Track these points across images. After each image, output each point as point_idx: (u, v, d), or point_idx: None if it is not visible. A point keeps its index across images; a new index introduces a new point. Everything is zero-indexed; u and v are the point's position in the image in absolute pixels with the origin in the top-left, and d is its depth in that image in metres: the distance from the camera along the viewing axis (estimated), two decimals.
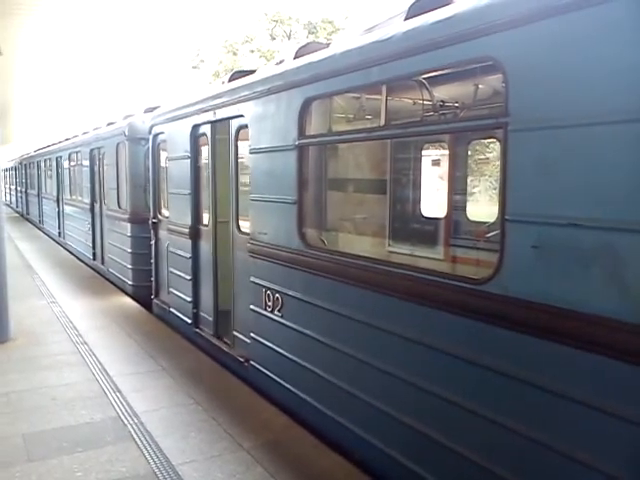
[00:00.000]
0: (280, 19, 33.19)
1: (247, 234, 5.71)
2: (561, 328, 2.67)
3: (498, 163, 3.18)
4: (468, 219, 6.96)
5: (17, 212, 32.44)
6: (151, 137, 8.65)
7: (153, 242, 8.73)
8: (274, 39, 33.96)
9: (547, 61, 2.73)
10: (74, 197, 15.17)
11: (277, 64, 5.79)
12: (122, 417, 4.98)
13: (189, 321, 7.24)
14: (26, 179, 27.45)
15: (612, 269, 2.46)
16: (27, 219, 27.12)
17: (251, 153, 5.53)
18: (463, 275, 3.48)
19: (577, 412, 2.62)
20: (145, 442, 4.51)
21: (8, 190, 38.69)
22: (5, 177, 37.90)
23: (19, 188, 32.17)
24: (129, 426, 4.80)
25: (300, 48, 5.52)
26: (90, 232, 13.18)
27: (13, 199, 36.55)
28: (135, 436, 4.61)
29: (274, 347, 5.21)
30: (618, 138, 2.43)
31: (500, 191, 3.01)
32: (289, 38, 33.37)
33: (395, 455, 3.77)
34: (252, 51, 33.96)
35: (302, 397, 4.80)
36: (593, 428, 2.56)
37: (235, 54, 34.08)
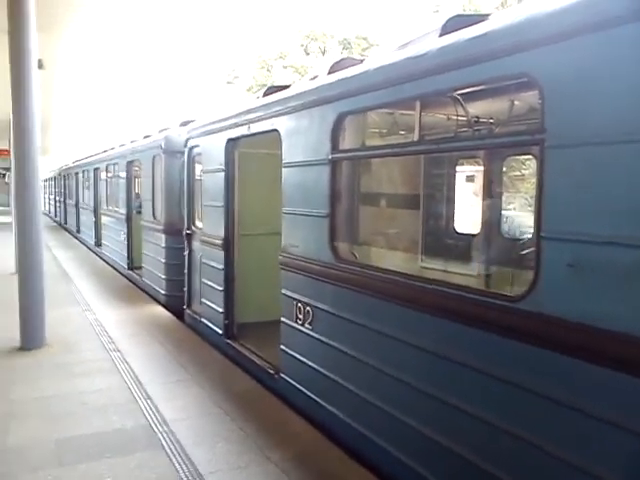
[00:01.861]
0: (314, 36, 33.50)
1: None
2: (596, 348, 2.62)
3: (534, 180, 3.16)
4: (503, 236, 6.89)
5: (55, 221, 33.24)
6: (186, 150, 8.80)
7: (186, 253, 8.84)
8: (308, 55, 34.29)
9: (584, 77, 2.70)
10: (111, 207, 15.48)
11: (311, 79, 5.85)
12: (152, 425, 5.03)
13: (220, 331, 7.29)
14: (64, 189, 28.13)
15: None
16: (65, 228, 27.74)
17: (284, 167, 5.58)
18: (497, 292, 3.44)
19: (611, 435, 2.56)
20: (174, 450, 4.54)
21: (47, 200, 39.71)
22: (44, 187, 38.88)
23: (58, 198, 32.98)
24: (159, 434, 4.84)
25: (334, 64, 5.57)
26: (126, 242, 13.42)
27: (52, 209, 37.47)
28: (164, 444, 4.65)
29: (304, 360, 5.22)
30: None
31: (536, 208, 2.98)
32: (323, 54, 33.65)
33: (426, 474, 3.72)
34: (285, 67, 34.33)
35: (331, 410, 4.78)
36: (625, 449, 2.50)
37: (269, 70, 34.50)
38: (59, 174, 30.86)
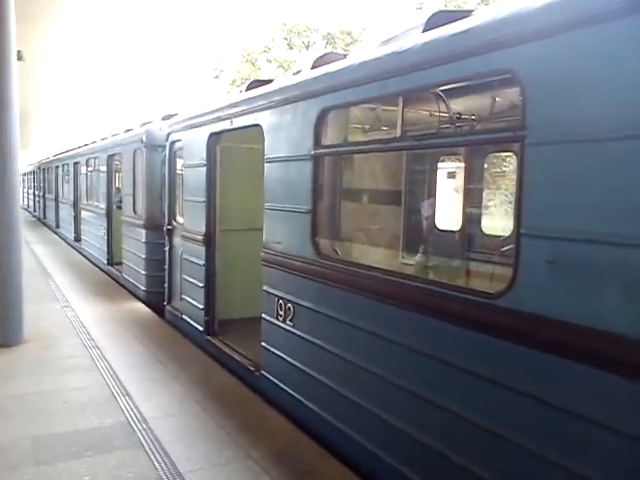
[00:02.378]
0: (298, 30, 33.41)
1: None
2: (574, 344, 2.63)
3: (514, 177, 3.16)
4: (483, 232, 6.93)
5: (34, 216, 32.79)
6: (168, 144, 8.72)
7: (167, 248, 8.77)
8: (292, 49, 34.18)
9: (566, 74, 2.71)
10: (90, 202, 15.31)
11: (294, 74, 5.81)
12: (132, 423, 4.98)
13: (201, 328, 7.25)
14: (44, 184, 27.77)
15: (628, 285, 2.42)
16: (44, 223, 27.39)
17: (266, 162, 5.54)
18: (476, 289, 3.45)
19: (588, 430, 2.57)
20: (154, 448, 4.50)
21: (26, 194, 39.17)
22: (23, 181, 38.35)
23: (37, 192, 32.54)
24: (138, 432, 4.80)
25: (318, 58, 5.54)
26: (105, 237, 13.28)
27: (31, 203, 36.98)
28: (144, 442, 4.61)
29: (285, 357, 5.20)
30: (637, 153, 2.40)
31: (516, 205, 2.99)
32: (307, 48, 33.57)
33: (402, 468, 3.73)
34: (269, 61, 34.19)
35: (311, 407, 4.77)
36: (602, 445, 2.52)
37: (253, 64, 34.34)
38: (38, 168, 30.44)
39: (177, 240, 8.38)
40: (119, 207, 12.66)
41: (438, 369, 3.47)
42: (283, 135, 5.28)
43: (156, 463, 4.26)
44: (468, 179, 6.76)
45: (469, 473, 3.22)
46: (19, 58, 7.75)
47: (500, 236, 6.62)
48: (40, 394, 5.65)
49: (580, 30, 2.63)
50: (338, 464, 4.28)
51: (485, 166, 7.36)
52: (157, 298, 9.42)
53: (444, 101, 4.86)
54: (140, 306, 9.85)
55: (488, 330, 3.09)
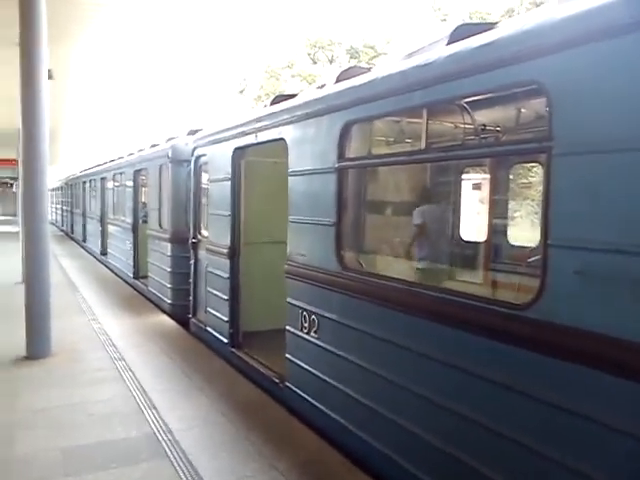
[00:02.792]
0: (322, 45, 33.66)
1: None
2: (603, 355, 2.60)
3: (540, 187, 3.14)
4: (509, 243, 6.86)
5: (62, 230, 33.38)
6: (193, 159, 8.83)
7: (192, 262, 8.85)
8: (316, 63, 34.43)
9: (592, 85, 2.70)
10: (117, 217, 15.53)
11: (318, 88, 5.86)
12: (157, 434, 5.01)
13: (225, 340, 7.28)
14: (71, 199, 28.27)
15: None
16: (71, 237, 27.85)
17: (290, 175, 5.58)
18: (503, 300, 3.42)
19: (619, 442, 2.53)
20: (179, 460, 4.51)
21: (54, 209, 39.90)
22: (51, 197, 39.09)
23: (64, 207, 33.14)
24: (164, 443, 4.82)
25: (341, 72, 5.58)
26: (132, 251, 13.45)
27: (59, 218, 37.65)
28: (170, 454, 4.63)
29: (310, 369, 5.19)
30: None
31: (543, 215, 2.97)
32: (331, 62, 33.78)
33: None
34: (293, 76, 34.47)
35: (337, 419, 4.75)
36: (632, 456, 2.48)
37: (277, 79, 34.65)
38: (66, 183, 31.03)
39: (202, 253, 8.45)
40: (145, 221, 12.82)
41: (465, 380, 3.43)
42: (307, 149, 5.32)
43: (182, 474, 4.27)
44: (493, 190, 6.71)
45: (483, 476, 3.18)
46: (49, 77, 7.93)
47: (527, 247, 6.56)
48: (67, 406, 5.71)
49: (606, 41, 2.62)
50: (365, 477, 4.25)
51: (511, 177, 7.31)
52: (182, 311, 9.49)
53: (469, 113, 4.84)
54: (165, 319, 9.93)
55: (515, 341, 3.06)
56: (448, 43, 3.91)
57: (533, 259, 5.29)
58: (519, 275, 5.71)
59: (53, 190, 38.99)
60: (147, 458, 4.56)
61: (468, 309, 3.42)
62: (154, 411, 5.55)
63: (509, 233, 7.03)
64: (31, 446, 4.82)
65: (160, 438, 4.93)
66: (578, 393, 2.71)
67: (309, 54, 34.11)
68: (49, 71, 7.76)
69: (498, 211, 6.87)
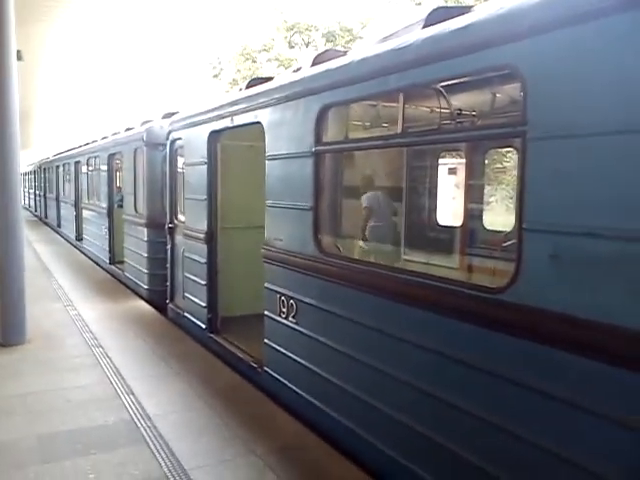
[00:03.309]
0: (298, 28, 33.35)
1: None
2: (577, 338, 2.64)
3: (515, 172, 3.18)
4: (484, 228, 6.94)
5: (35, 215, 32.83)
6: (169, 143, 8.73)
7: (169, 247, 8.79)
8: (292, 47, 34.11)
9: (566, 69, 2.71)
10: (92, 201, 15.33)
11: (294, 71, 5.82)
12: (135, 420, 5.00)
13: (203, 326, 7.27)
14: (45, 183, 27.79)
15: (631, 278, 2.43)
16: (45, 222, 27.43)
17: (267, 159, 5.55)
18: (479, 284, 3.46)
19: (593, 423, 2.59)
20: (158, 445, 4.52)
21: (27, 194, 39.21)
22: (24, 181, 38.37)
23: (38, 192, 32.57)
24: (142, 429, 4.81)
25: (318, 55, 5.54)
26: (107, 236, 13.30)
27: (32, 203, 37.03)
28: (148, 439, 4.63)
29: (288, 353, 5.21)
30: (638, 147, 2.40)
31: (517, 199, 3.00)
32: (307, 46, 33.51)
33: (408, 463, 3.75)
34: (270, 60, 34.14)
35: (315, 404, 4.79)
36: (606, 438, 2.54)
37: (254, 61, 34.29)
38: (39, 167, 30.47)
39: (179, 238, 8.40)
40: (120, 206, 12.67)
41: (438, 362, 3.48)
42: (284, 132, 5.29)
43: (160, 460, 4.28)
44: (469, 175, 6.76)
45: (457, 457, 3.25)
46: (19, 58, 7.75)
47: (502, 231, 6.64)
48: (43, 393, 5.67)
49: (580, 25, 2.64)
50: (346, 461, 4.29)
51: (486, 162, 7.37)
52: (159, 296, 9.45)
53: (445, 97, 4.87)
54: (142, 304, 9.87)
55: (490, 324, 3.10)
56: (424, 27, 3.90)
57: (508, 243, 5.36)
58: (494, 259, 5.79)
59: (26, 174, 38.29)
60: (125, 444, 4.56)
61: (445, 293, 3.45)
62: (132, 397, 5.54)
63: (484, 218, 7.11)
64: (8, 433, 4.78)
65: (138, 424, 4.92)
66: (553, 375, 2.76)
67: (285, 37, 33.76)
68: (18, 52, 7.58)
69: (473, 196, 6.94)
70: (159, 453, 4.39)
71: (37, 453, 4.44)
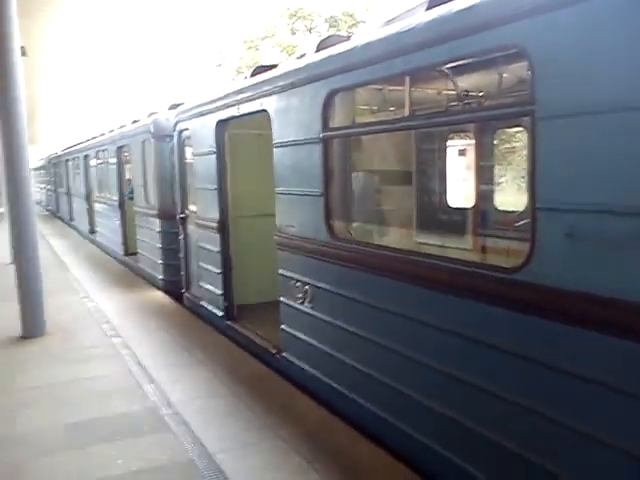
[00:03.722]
0: (301, 14, 33.10)
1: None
2: (594, 315, 2.67)
3: (524, 152, 3.19)
4: (496, 209, 6.94)
5: (48, 210, 33.07)
6: (176, 133, 8.77)
7: (182, 237, 8.87)
8: (295, 34, 33.89)
9: (574, 47, 2.71)
10: (103, 194, 15.43)
11: (299, 58, 5.83)
12: (159, 408, 5.10)
13: (220, 313, 7.36)
14: (55, 178, 27.95)
15: None
16: (58, 217, 27.63)
17: (275, 147, 5.59)
18: (494, 264, 3.49)
19: (612, 399, 2.62)
20: (183, 431, 4.59)
21: (38, 189, 39.45)
22: (34, 177, 38.58)
23: (48, 187, 32.76)
24: (166, 416, 4.91)
25: (322, 41, 5.54)
26: (120, 228, 13.42)
27: (43, 197, 37.25)
28: (172, 426, 4.72)
29: (305, 338, 5.29)
30: None
31: (529, 179, 3.01)
32: (310, 32, 33.27)
33: (429, 442, 3.82)
34: (273, 46, 33.95)
35: (334, 387, 4.86)
36: (625, 413, 2.57)
37: (257, 49, 34.12)
38: (49, 162, 30.63)
39: (191, 228, 8.47)
40: (131, 198, 12.76)
41: (454, 343, 3.53)
42: (291, 119, 5.32)
43: (186, 445, 4.37)
44: (479, 156, 6.76)
45: (482, 438, 3.31)
46: (23, 54, 7.79)
47: (514, 211, 6.64)
48: (66, 383, 5.79)
49: (587, 2, 2.64)
50: (369, 443, 4.35)
51: (495, 142, 7.36)
52: (175, 286, 9.55)
53: (451, 79, 4.87)
54: (158, 294, 9.99)
55: (506, 304, 3.14)
56: (428, 8, 3.90)
57: (521, 223, 5.37)
58: (508, 240, 5.80)
59: (36, 170, 38.49)
60: (150, 431, 4.66)
61: (459, 274, 3.49)
62: (154, 385, 5.64)
63: (496, 198, 7.11)
64: (33, 423, 4.90)
65: (162, 412, 5.01)
66: (569, 353, 2.80)
67: (288, 24, 33.52)
68: (22, 48, 7.62)
69: (484, 177, 6.93)
70: (185, 439, 4.48)
71: (62, 441, 4.56)
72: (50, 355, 6.69)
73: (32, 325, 7.38)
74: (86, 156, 17.61)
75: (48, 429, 4.77)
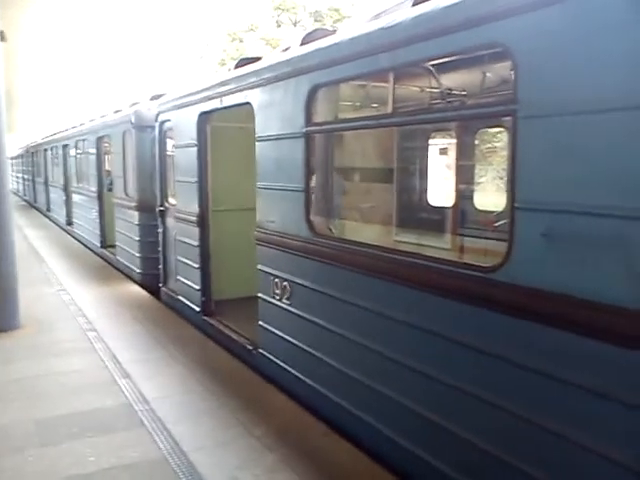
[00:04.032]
0: (285, 7, 32.97)
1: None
2: (570, 316, 2.67)
3: (504, 153, 3.18)
4: (476, 208, 6.96)
5: (25, 200, 32.57)
6: (157, 125, 8.66)
7: (160, 230, 8.77)
8: (279, 27, 33.76)
9: (557, 46, 2.71)
10: (81, 185, 15.22)
11: (283, 51, 5.77)
12: (133, 403, 5.03)
13: (197, 309, 7.29)
14: (33, 167, 27.53)
15: (625, 257, 2.45)
16: (35, 207, 27.23)
17: (258, 141, 5.53)
18: (471, 263, 3.48)
19: (585, 399, 2.63)
20: (156, 428, 4.55)
21: (15, 178, 38.84)
22: (12, 165, 37.96)
23: (26, 176, 32.27)
24: (140, 412, 4.85)
25: (306, 35, 5.49)
26: (98, 220, 13.24)
27: (20, 187, 36.69)
28: (146, 422, 4.66)
29: (282, 335, 5.25)
30: (632, 124, 2.40)
31: (509, 179, 3.01)
32: (295, 26, 33.16)
33: (401, 440, 3.81)
34: (257, 39, 33.79)
35: (310, 384, 4.83)
36: (599, 414, 2.58)
37: (241, 41, 33.92)
38: (27, 151, 30.15)
39: (170, 221, 8.38)
40: (110, 189, 12.60)
41: (430, 341, 3.52)
42: (274, 113, 5.26)
43: (159, 442, 4.32)
44: (460, 155, 6.77)
45: (453, 435, 3.30)
46: (2, 39, 7.62)
47: (493, 211, 6.67)
48: (39, 378, 5.69)
49: (570, 1, 2.63)
50: (342, 440, 4.34)
51: (476, 142, 7.37)
52: (152, 280, 9.44)
53: (435, 77, 4.85)
54: (135, 288, 9.87)
55: (483, 303, 3.13)
56: (414, 4, 3.87)
57: (500, 223, 5.39)
58: (486, 239, 5.81)
59: (13, 159, 37.88)
60: (124, 427, 4.59)
61: (437, 272, 3.47)
62: (128, 380, 5.56)
63: (475, 198, 7.13)
64: (5, 418, 4.81)
65: (136, 407, 4.95)
66: (545, 353, 2.80)
67: (272, 17, 33.38)
68: (1, 33, 7.45)
69: (464, 176, 6.95)
70: (158, 436, 4.43)
71: (35, 437, 4.47)
72: (23, 349, 6.57)
73: (5, 318, 7.24)
74: (65, 146, 17.36)
75: (19, 425, 4.67)
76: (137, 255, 10.23)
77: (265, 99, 5.42)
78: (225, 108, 6.38)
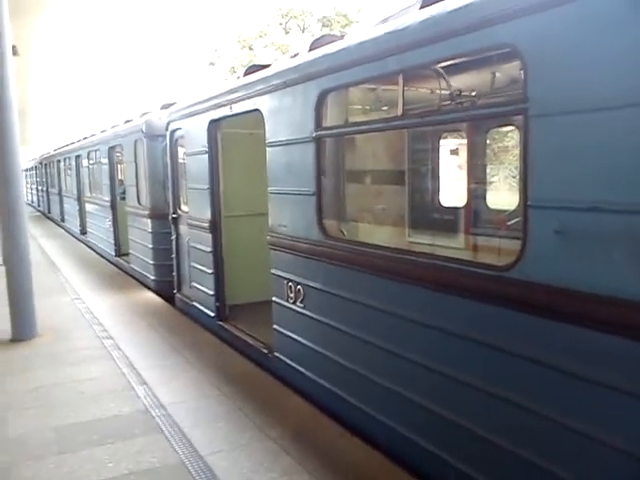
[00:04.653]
0: (293, 14, 33.12)
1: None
2: (584, 312, 2.67)
3: (516, 152, 3.19)
4: (488, 207, 6.94)
5: (39, 211, 32.89)
6: (168, 133, 8.73)
7: (174, 237, 8.83)
8: (288, 33, 33.89)
9: (566, 46, 2.72)
10: (94, 195, 15.35)
11: (292, 57, 5.80)
12: (150, 409, 5.06)
13: (212, 314, 7.32)
14: (46, 178, 27.81)
15: (637, 252, 2.45)
16: (49, 217, 27.49)
17: (268, 146, 5.56)
18: (486, 262, 3.49)
19: (602, 395, 2.62)
20: (173, 433, 4.58)
21: (29, 190, 39.24)
22: (26, 177, 38.36)
23: (40, 187, 32.60)
24: (157, 418, 4.88)
25: (315, 41, 5.52)
26: (111, 229, 13.35)
27: (34, 198, 37.06)
28: (163, 428, 4.69)
29: (297, 338, 5.26)
30: None
31: (521, 177, 3.01)
32: (303, 32, 33.29)
33: (418, 440, 3.81)
34: (266, 46, 33.95)
35: (326, 386, 4.84)
36: (616, 408, 2.57)
37: (251, 49, 34.10)
38: (40, 163, 30.46)
39: (183, 228, 8.43)
40: (123, 198, 12.70)
41: (447, 341, 3.52)
42: (283, 119, 5.30)
43: (177, 447, 4.34)
44: (471, 155, 6.76)
45: (471, 433, 3.29)
46: (14, 53, 7.71)
47: (506, 210, 6.65)
48: (57, 386, 5.74)
49: (579, 1, 2.64)
50: (358, 441, 4.34)
51: (487, 142, 7.36)
52: (166, 286, 9.50)
53: (444, 78, 4.85)
54: (150, 295, 9.94)
55: (498, 302, 3.13)
56: (421, 7, 3.89)
57: (513, 221, 5.37)
58: (500, 238, 5.80)
59: (27, 170, 38.27)
60: (141, 433, 4.62)
61: (451, 272, 3.48)
62: (145, 387, 5.60)
63: (488, 197, 7.11)
64: (24, 426, 4.85)
65: (153, 413, 4.98)
66: (560, 350, 2.79)
67: (281, 24, 33.54)
68: (13, 47, 7.55)
69: (476, 176, 6.94)
70: (175, 441, 4.45)
71: (54, 445, 4.51)
72: (41, 357, 6.63)
73: (23, 327, 7.32)
74: (78, 156, 17.52)
75: (38, 433, 4.71)
76: (151, 262, 10.31)
77: (275, 105, 5.45)
78: (235, 115, 6.42)
